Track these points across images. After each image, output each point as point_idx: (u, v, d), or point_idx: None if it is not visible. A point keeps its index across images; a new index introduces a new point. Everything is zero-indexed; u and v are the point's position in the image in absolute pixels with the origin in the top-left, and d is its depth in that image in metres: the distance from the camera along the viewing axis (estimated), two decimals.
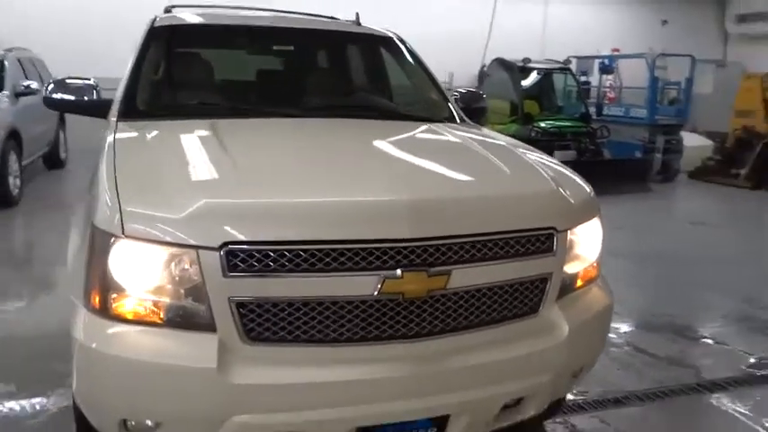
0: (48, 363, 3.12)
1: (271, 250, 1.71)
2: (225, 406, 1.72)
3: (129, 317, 1.77)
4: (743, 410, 3.04)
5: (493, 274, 1.93)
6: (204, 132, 2.38)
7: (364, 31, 3.49)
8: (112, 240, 1.74)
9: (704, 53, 13.10)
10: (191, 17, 3.36)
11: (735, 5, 15.88)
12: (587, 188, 2.33)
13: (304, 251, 1.73)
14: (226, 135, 2.32)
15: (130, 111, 2.74)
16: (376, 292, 1.77)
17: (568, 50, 12.33)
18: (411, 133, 2.82)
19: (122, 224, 1.74)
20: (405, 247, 1.79)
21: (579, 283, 2.21)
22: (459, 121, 3.17)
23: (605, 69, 11.87)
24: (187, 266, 1.72)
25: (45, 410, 2.81)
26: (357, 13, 3.61)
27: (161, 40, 3.10)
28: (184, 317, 1.75)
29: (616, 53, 12.99)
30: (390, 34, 3.52)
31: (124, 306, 1.77)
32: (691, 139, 11.16)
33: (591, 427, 2.86)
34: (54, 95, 2.96)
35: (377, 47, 3.54)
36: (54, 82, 2.98)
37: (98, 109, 2.94)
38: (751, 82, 11.52)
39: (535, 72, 10.48)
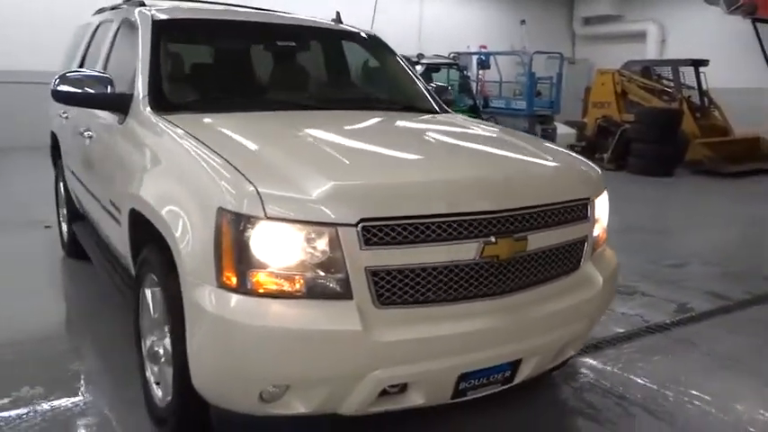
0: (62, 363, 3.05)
1: (397, 224, 1.97)
2: (367, 363, 1.95)
3: (270, 291, 1.93)
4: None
5: (553, 237, 2.31)
6: (272, 122, 2.54)
7: (354, 30, 3.73)
8: (253, 222, 1.90)
9: (556, 51, 14.54)
10: (191, 12, 3.40)
11: (581, 9, 17.72)
12: (596, 166, 2.80)
13: (423, 224, 2.00)
14: (293, 125, 2.50)
15: (166, 105, 2.78)
16: (478, 257, 2.08)
17: (442, 47, 13.13)
18: (443, 124, 3.14)
19: (263, 207, 1.90)
20: (495, 218, 2.12)
21: (600, 243, 2.68)
22: (440, 111, 3.54)
23: (482, 65, 12.82)
24: (326, 242, 1.92)
25: (88, 409, 2.75)
26: (338, 12, 3.83)
27: (169, 34, 3.12)
28: (323, 287, 1.94)
29: (485, 50, 14.07)
30: (373, 33, 3.80)
31: (264, 281, 1.92)
32: (559, 128, 12.44)
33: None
34: (63, 88, 2.90)
35: (367, 44, 3.79)
36: (63, 75, 2.91)
37: (113, 102, 2.93)
38: (605, 77, 13.02)
39: (426, 67, 11.09)
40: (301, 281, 1.94)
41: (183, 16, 3.32)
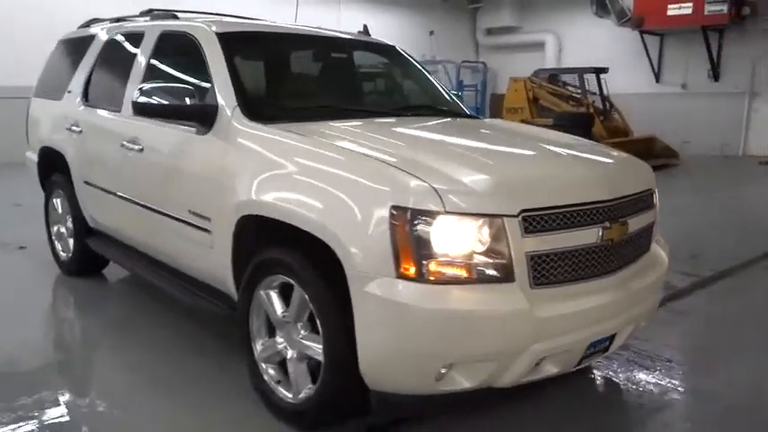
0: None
1: (547, 214, 2.25)
2: (531, 337, 2.21)
3: (445, 278, 2.14)
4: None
5: (639, 222, 2.68)
6: (376, 128, 2.73)
7: (384, 42, 3.96)
8: (433, 216, 2.10)
9: (463, 59, 15.42)
10: (243, 26, 3.49)
11: (483, 20, 18.75)
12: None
13: (564, 213, 2.30)
14: (395, 130, 2.71)
15: (259, 115, 2.87)
16: (599, 240, 2.41)
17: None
18: (505, 127, 3.50)
19: (443, 202, 2.11)
20: (608, 206, 2.46)
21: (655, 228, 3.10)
22: (469, 115, 3.86)
23: None
24: (494, 231, 2.16)
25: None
26: (365, 26, 4.03)
27: (238, 46, 3.18)
28: (491, 272, 2.17)
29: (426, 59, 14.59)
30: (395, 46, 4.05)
31: (440, 269, 2.13)
32: None
33: None
34: (145, 101, 2.92)
35: (397, 55, 4.01)
36: (145, 88, 2.91)
37: (195, 113, 2.97)
38: (517, 84, 13.95)
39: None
40: (473, 267, 2.16)
41: (244, 30, 3.40)
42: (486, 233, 2.16)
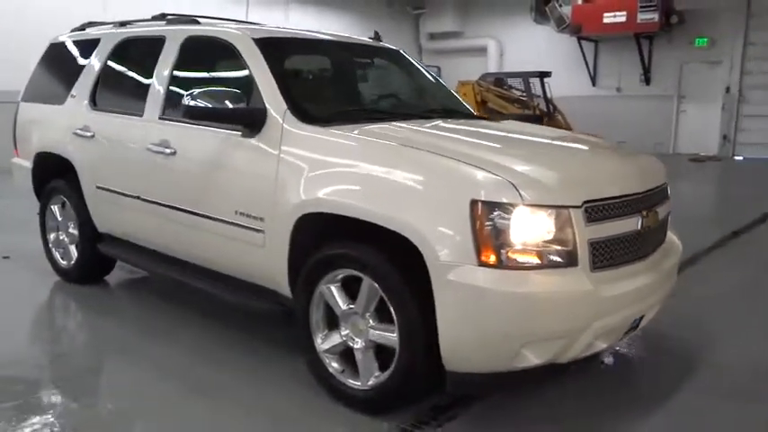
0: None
1: (603, 204, 2.51)
2: (593, 316, 2.45)
3: (521, 264, 2.35)
4: None
5: (662, 211, 2.99)
6: (434, 130, 2.97)
7: (393, 48, 4.14)
8: (512, 208, 2.31)
9: None
10: (280, 32, 3.58)
11: (427, 25, 19.18)
12: None
13: (614, 203, 2.57)
14: (444, 131, 2.93)
15: (309, 118, 3.00)
16: (640, 226, 2.69)
17: None
18: (522, 126, 3.75)
19: (520, 195, 2.32)
20: (642, 197, 2.75)
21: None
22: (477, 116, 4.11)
23: None
24: (563, 221, 2.39)
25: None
26: (377, 32, 4.21)
27: (276, 52, 3.28)
28: (559, 258, 2.40)
29: None
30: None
31: (517, 256, 2.34)
32: None
33: None
34: (196, 105, 2.99)
35: (409, 61, 4.20)
36: (195, 92, 2.98)
37: (244, 117, 3.06)
38: (466, 87, 14.38)
39: None
40: (544, 254, 2.38)
41: (279, 36, 3.50)
42: (555, 223, 2.39)
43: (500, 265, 2.33)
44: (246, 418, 2.75)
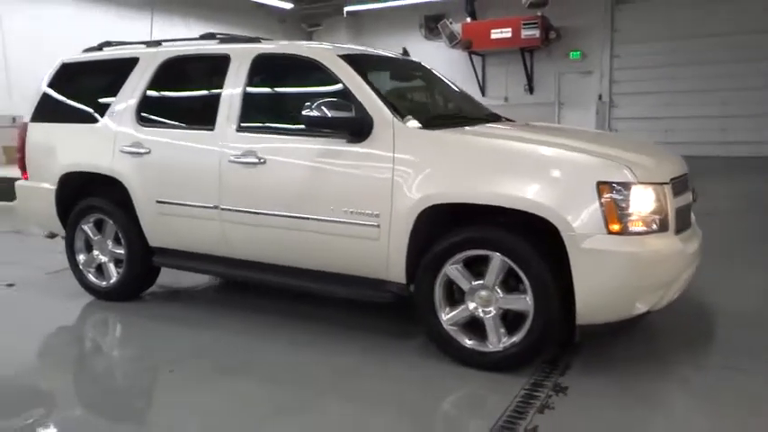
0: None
1: (678, 181, 3.22)
2: (683, 268, 3.13)
3: (637, 231, 2.95)
4: None
5: (687, 198, 3.69)
6: (523, 131, 3.53)
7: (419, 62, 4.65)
8: (630, 186, 2.91)
9: None
10: (353, 49, 3.93)
11: (321, 42, 19.67)
12: None
13: (681, 181, 3.28)
14: (534, 132, 3.50)
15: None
16: (689, 202, 3.41)
17: None
18: (557, 126, 4.34)
19: (635, 175, 2.93)
20: (687, 177, 3.48)
21: None
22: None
23: None
24: (661, 195, 3.03)
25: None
26: (405, 49, 4.67)
27: (361, 67, 3.66)
28: (658, 225, 3.03)
29: None
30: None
31: (634, 225, 2.94)
32: None
33: None
34: (315, 114, 3.30)
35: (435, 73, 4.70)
36: (315, 103, 3.28)
37: (353, 124, 3.40)
38: None
39: None
40: (650, 221, 3.01)
41: (356, 53, 3.86)
42: (656, 196, 3.02)
43: (623, 232, 2.92)
44: (396, 388, 3.11)
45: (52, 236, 4.96)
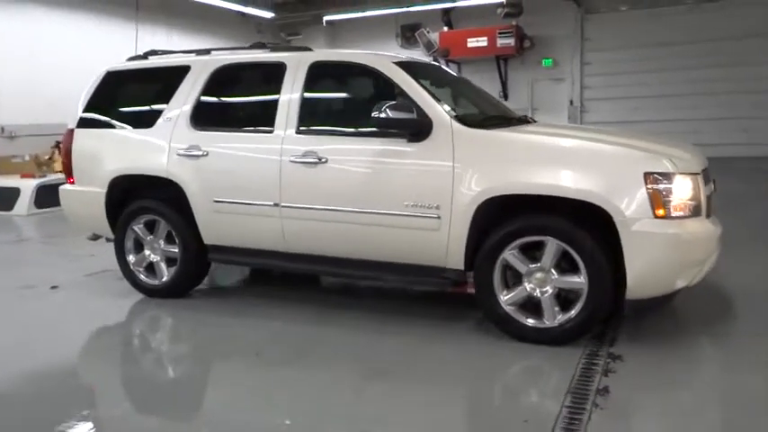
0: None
1: (706, 171, 3.64)
2: (714, 248, 3.56)
3: (678, 216, 3.35)
4: None
5: (710, 188, 4.11)
6: (566, 130, 3.91)
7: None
8: (673, 176, 3.32)
9: None
10: (397, 57, 4.26)
11: None
12: None
13: (706, 172, 3.70)
14: (575, 130, 3.90)
15: (469, 124, 3.78)
16: (712, 191, 3.84)
17: None
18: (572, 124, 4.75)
19: (676, 166, 3.34)
20: (708, 171, 3.92)
21: None
22: None
23: None
24: (696, 184, 3.44)
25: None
26: (434, 56, 5.01)
27: (411, 72, 3.99)
28: (694, 210, 3.43)
29: None
30: None
31: (676, 209, 3.34)
32: None
33: None
34: (383, 116, 3.62)
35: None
36: (385, 105, 3.60)
37: (416, 125, 3.72)
38: None
39: None
40: (688, 207, 3.41)
41: (404, 60, 4.19)
42: (692, 185, 3.43)
43: (667, 216, 3.33)
44: (467, 362, 3.45)
45: (95, 238, 5.13)
